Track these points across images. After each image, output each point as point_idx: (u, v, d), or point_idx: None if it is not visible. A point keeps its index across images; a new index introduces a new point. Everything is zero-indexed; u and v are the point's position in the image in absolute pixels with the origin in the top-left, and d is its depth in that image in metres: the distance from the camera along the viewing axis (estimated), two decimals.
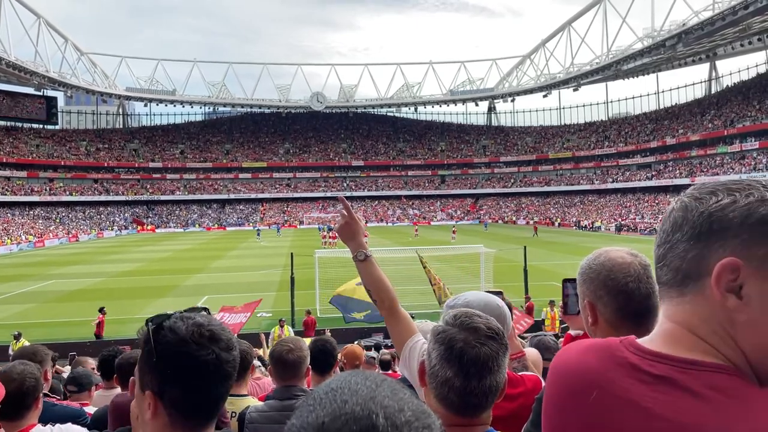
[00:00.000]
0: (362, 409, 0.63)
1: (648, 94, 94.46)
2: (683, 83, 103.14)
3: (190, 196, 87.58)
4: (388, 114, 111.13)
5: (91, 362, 6.16)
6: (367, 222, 76.72)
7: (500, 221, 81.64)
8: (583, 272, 1.60)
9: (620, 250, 1.61)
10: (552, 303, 15.91)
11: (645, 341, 0.96)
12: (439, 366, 1.32)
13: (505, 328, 2.06)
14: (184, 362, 1.20)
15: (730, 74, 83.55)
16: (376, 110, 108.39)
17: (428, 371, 1.35)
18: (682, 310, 0.90)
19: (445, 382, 1.31)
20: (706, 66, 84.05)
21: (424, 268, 15.34)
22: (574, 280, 2.20)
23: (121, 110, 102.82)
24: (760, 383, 0.85)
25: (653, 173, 74.28)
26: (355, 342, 11.43)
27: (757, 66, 77.94)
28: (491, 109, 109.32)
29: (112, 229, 74.09)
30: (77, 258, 42.15)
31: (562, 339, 3.05)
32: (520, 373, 2.10)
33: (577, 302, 2.20)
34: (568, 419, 0.96)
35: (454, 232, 49.81)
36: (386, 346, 12.49)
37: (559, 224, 70.87)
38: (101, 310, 17.04)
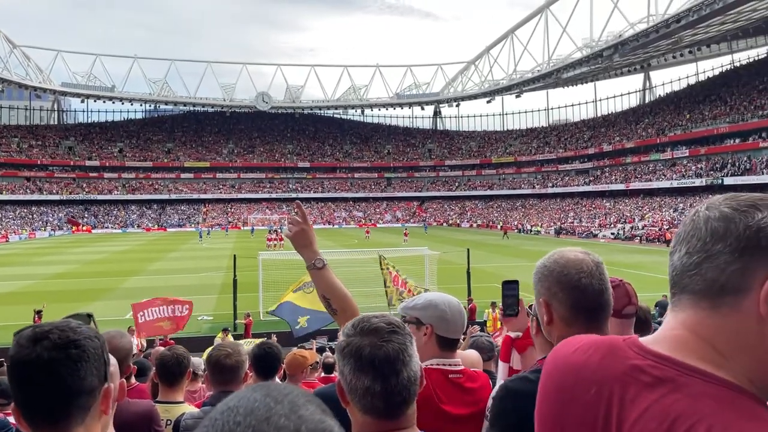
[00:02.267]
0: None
1: (586, 102, 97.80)
2: (619, 92, 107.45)
3: (129, 196, 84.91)
4: (335, 116, 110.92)
5: None
6: (313, 224, 76.19)
7: (445, 224, 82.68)
8: (538, 271, 1.62)
9: (573, 249, 1.64)
10: (494, 304, 16.19)
11: (649, 343, 0.96)
12: (355, 379, 1.30)
13: (463, 323, 2.15)
14: (10, 365, 1.19)
15: (663, 85, 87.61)
16: (322, 112, 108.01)
17: (347, 388, 1.33)
18: (711, 322, 0.89)
19: (366, 392, 1.29)
20: (640, 76, 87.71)
21: (382, 269, 15.30)
22: (514, 282, 2.27)
23: (56, 106, 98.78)
24: None
25: (591, 178, 76.80)
26: (298, 346, 11.32)
27: (687, 77, 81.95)
28: (437, 114, 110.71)
29: (45, 230, 70.93)
30: (6, 259, 40.19)
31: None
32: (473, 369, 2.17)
33: (517, 304, 2.27)
34: (567, 414, 0.97)
35: (405, 234, 51.02)
36: (330, 349, 12.43)
37: (502, 227, 72.23)
38: (38, 313, 16.14)
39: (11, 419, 3.46)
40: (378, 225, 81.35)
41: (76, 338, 1.19)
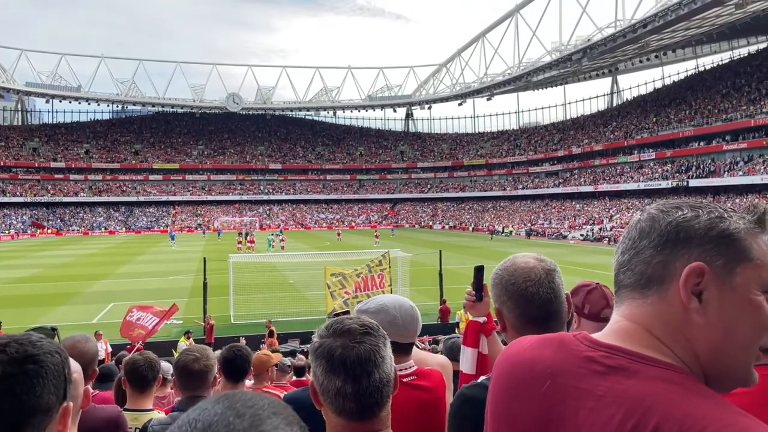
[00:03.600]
0: None
1: (556, 105, 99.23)
2: (588, 96, 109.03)
3: (96, 198, 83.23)
4: (307, 117, 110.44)
5: None
6: (282, 226, 75.73)
7: (417, 226, 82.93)
8: (492, 278, 1.63)
9: (526, 255, 1.63)
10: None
11: (599, 336, 1.01)
12: (327, 380, 1.30)
13: (417, 327, 2.16)
14: None
15: (630, 88, 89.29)
16: (294, 113, 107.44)
17: (319, 389, 1.33)
18: (644, 311, 0.96)
19: (338, 393, 1.29)
20: (608, 80, 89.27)
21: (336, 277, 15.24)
22: (481, 267, 2.28)
23: (19, 106, 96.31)
24: (706, 382, 0.93)
25: (560, 180, 77.83)
26: (272, 350, 11.20)
27: (654, 81, 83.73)
28: (409, 116, 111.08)
29: (8, 233, 69.15)
30: None
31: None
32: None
33: (481, 289, 2.28)
34: (520, 408, 1.01)
35: (376, 236, 51.27)
36: (301, 352, 12.35)
37: (473, 229, 72.88)
38: None
39: None
40: (354, 227, 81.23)
41: (34, 353, 1.11)
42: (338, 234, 57.83)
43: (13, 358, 1.08)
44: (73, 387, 1.75)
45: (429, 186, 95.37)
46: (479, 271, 2.28)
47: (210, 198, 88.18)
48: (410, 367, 2.10)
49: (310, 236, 62.58)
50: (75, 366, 1.81)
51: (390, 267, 14.62)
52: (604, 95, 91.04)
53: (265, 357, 4.35)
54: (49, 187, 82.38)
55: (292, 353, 11.65)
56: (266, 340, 14.45)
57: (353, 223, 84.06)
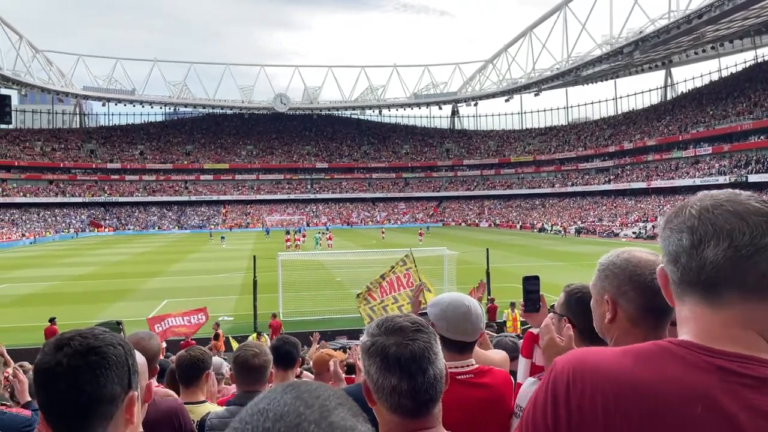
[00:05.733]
0: None
1: (606, 100, 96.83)
2: (640, 90, 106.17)
3: (150, 198, 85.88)
4: (353, 116, 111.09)
5: None
6: (329, 224, 76.44)
7: (463, 224, 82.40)
8: (605, 268, 1.60)
9: (642, 250, 1.63)
10: (513, 305, 16.05)
11: (709, 343, 0.93)
12: (382, 378, 1.31)
13: (471, 327, 2.15)
14: (34, 371, 1.22)
15: (685, 81, 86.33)
16: (340, 112, 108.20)
17: (373, 388, 1.34)
18: (759, 315, 0.89)
19: (394, 390, 1.30)
20: (662, 73, 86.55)
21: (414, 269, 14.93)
22: (534, 277, 2.28)
23: (78, 110, 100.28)
24: None
25: (611, 177, 75.97)
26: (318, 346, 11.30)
27: (710, 74, 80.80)
28: (455, 113, 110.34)
29: (67, 232, 72.06)
30: (30, 261, 40.85)
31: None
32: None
33: (539, 300, 2.29)
34: None
35: (420, 234, 51.40)
36: (350, 348, 12.42)
37: (521, 227, 71.93)
38: (52, 321, 15.87)
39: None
40: (399, 224, 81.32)
41: (96, 345, 1.19)
42: (382, 232, 58.12)
43: (77, 350, 1.16)
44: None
45: (475, 184, 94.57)
46: (529, 281, 2.30)
47: (258, 197, 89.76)
48: (467, 366, 2.10)
49: (356, 234, 62.98)
50: (140, 359, 1.86)
51: (416, 266, 14.23)
52: (657, 89, 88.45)
53: (327, 356, 4.39)
54: (106, 187, 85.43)
55: (343, 349, 11.75)
56: (212, 343, 13.60)
57: (399, 221, 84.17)
